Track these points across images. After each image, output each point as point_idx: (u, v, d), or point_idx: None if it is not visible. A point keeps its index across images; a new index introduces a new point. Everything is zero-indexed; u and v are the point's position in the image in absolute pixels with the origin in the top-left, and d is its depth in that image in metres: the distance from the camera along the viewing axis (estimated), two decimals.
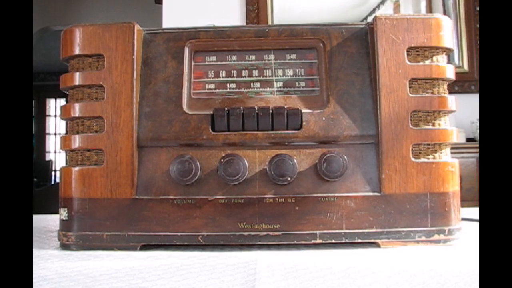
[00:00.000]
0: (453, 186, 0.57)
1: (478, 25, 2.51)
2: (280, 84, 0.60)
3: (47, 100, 7.51)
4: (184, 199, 0.56)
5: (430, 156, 0.57)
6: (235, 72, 0.61)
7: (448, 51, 0.59)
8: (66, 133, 0.61)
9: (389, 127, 0.56)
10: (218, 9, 2.54)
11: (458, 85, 2.45)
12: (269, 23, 2.53)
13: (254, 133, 0.57)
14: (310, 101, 0.59)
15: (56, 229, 0.70)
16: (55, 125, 7.57)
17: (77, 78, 0.59)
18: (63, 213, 0.58)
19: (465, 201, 0.68)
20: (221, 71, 0.61)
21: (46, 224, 0.79)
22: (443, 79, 0.58)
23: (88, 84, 0.58)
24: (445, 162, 0.57)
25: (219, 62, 0.61)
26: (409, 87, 0.57)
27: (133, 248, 0.56)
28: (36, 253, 0.55)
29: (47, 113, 7.55)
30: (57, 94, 7.21)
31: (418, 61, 0.58)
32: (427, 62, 0.58)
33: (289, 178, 0.55)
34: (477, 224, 0.70)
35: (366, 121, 0.57)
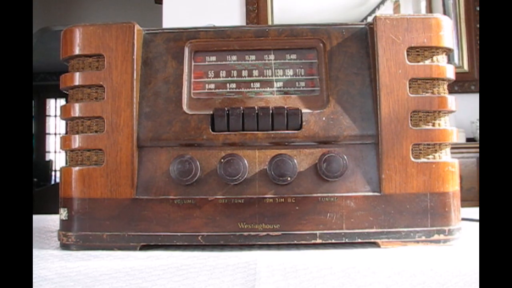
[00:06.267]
0: (453, 186, 0.57)
1: (478, 25, 2.51)
2: (280, 84, 0.60)
3: (47, 100, 7.51)
4: (184, 199, 0.56)
5: (430, 156, 0.57)
6: (235, 72, 0.61)
7: (448, 51, 0.60)
8: (66, 133, 0.61)
9: (389, 127, 0.56)
10: (218, 9, 2.54)
11: (458, 85, 2.45)
12: (269, 23, 2.53)
13: (254, 133, 0.57)
14: (310, 101, 0.59)
15: (56, 229, 0.70)
16: (55, 125, 7.57)
17: (77, 78, 0.59)
18: (63, 213, 0.58)
19: (465, 201, 0.68)
20: (221, 71, 0.61)
21: (46, 224, 0.79)
22: (443, 79, 0.58)
23: (88, 84, 0.58)
24: (445, 162, 0.57)
25: (219, 62, 0.61)
26: (409, 87, 0.57)
27: (133, 248, 0.56)
28: (36, 253, 0.55)
29: (47, 113, 7.55)
30: (57, 94, 7.21)
31: (418, 61, 0.58)
32: (427, 62, 0.58)
33: (289, 178, 0.55)
34: (477, 224, 0.70)
35: (366, 121, 0.57)
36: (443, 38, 0.58)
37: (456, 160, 0.58)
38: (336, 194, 0.55)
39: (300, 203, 0.55)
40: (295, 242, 0.55)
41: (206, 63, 0.61)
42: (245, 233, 0.55)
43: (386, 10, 2.66)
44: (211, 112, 0.57)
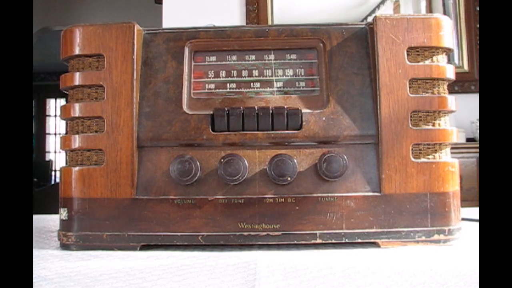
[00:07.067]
0: (453, 186, 0.57)
1: (478, 25, 2.51)
2: (280, 84, 0.60)
3: (47, 100, 7.50)
4: (184, 199, 0.56)
5: (430, 156, 0.57)
6: (235, 72, 0.61)
7: (448, 51, 0.60)
8: (66, 133, 0.61)
9: (389, 127, 0.56)
10: (218, 9, 2.54)
11: (458, 85, 2.45)
12: (269, 23, 2.53)
13: (254, 133, 0.57)
14: (310, 101, 0.59)
15: (56, 229, 0.70)
16: (55, 125, 7.57)
17: (77, 78, 0.59)
18: (63, 213, 0.58)
19: (465, 201, 0.68)
20: (221, 71, 0.61)
21: (46, 224, 0.79)
22: (443, 79, 0.58)
23: (88, 84, 0.58)
24: (445, 162, 0.57)
25: (219, 62, 0.61)
26: (409, 87, 0.57)
27: (133, 248, 0.56)
28: (36, 253, 0.55)
29: (47, 113, 7.55)
30: (57, 94, 7.21)
31: (418, 61, 0.58)
32: (427, 62, 0.58)
33: (289, 178, 0.55)
34: (477, 224, 0.70)
35: (366, 121, 0.57)
36: (443, 38, 0.58)
37: (456, 160, 0.58)
38: (336, 194, 0.55)
39: (300, 203, 0.55)
40: (295, 242, 0.55)
41: (206, 63, 0.61)
42: (245, 233, 0.55)
43: (386, 10, 2.66)
44: (211, 112, 0.57)
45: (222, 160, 0.55)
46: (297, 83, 0.60)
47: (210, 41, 0.60)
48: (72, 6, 5.16)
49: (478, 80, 2.45)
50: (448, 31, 0.58)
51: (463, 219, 0.63)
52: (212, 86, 0.60)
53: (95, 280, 0.42)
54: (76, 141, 0.58)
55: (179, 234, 0.55)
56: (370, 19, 0.88)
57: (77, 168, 0.57)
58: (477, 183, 1.91)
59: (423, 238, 0.55)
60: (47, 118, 7.54)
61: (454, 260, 0.49)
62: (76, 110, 0.58)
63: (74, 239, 0.57)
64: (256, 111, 0.57)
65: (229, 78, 0.60)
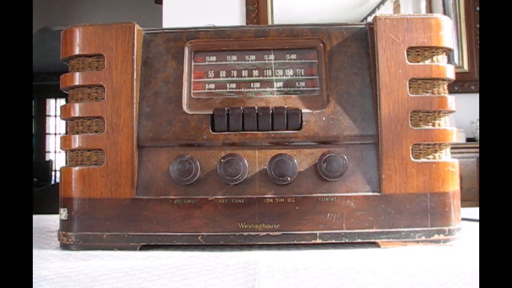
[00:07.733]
0: (453, 186, 0.57)
1: (478, 25, 2.51)
2: (280, 84, 0.60)
3: (47, 100, 7.50)
4: (184, 199, 0.56)
5: (430, 156, 0.57)
6: (235, 72, 0.61)
7: (448, 51, 0.60)
8: (66, 133, 0.61)
9: (389, 127, 0.56)
10: (218, 9, 2.54)
11: (458, 85, 2.45)
12: (269, 23, 2.53)
13: (254, 133, 0.57)
14: (310, 101, 0.59)
15: (56, 229, 0.70)
16: (55, 125, 7.57)
17: (77, 78, 0.59)
18: (63, 213, 0.58)
19: (465, 201, 0.68)
20: (221, 71, 0.61)
21: (46, 224, 0.79)
22: (443, 79, 0.58)
23: (88, 84, 0.58)
24: (445, 162, 0.57)
25: (219, 62, 0.61)
26: (409, 87, 0.57)
27: (133, 248, 0.56)
28: (36, 253, 0.55)
29: (47, 113, 7.55)
30: (57, 94, 7.21)
31: (418, 61, 0.58)
32: (427, 62, 0.58)
33: (289, 178, 0.55)
34: (477, 224, 0.70)
35: (366, 121, 0.57)
36: (443, 38, 0.58)
37: (456, 160, 0.58)
38: (336, 194, 0.55)
39: (300, 203, 0.55)
40: (295, 242, 0.55)
41: (206, 63, 0.61)
42: (245, 233, 0.55)
43: (386, 10, 2.66)
44: (211, 112, 0.57)
45: (222, 160, 0.55)
46: (297, 83, 0.60)
47: (210, 41, 0.60)
48: (72, 6, 5.16)
49: (478, 80, 2.45)
50: (448, 31, 0.58)
51: (463, 219, 0.63)
52: (212, 86, 0.60)
53: (95, 280, 0.42)
54: (76, 141, 0.58)
55: (179, 234, 0.55)
56: (370, 19, 0.88)
57: (77, 168, 0.57)
58: (477, 183, 1.91)
59: (423, 238, 0.55)
60: (47, 118, 7.54)
61: (454, 260, 0.49)
62: (76, 110, 0.58)
63: (74, 239, 0.57)
64: (256, 111, 0.57)
65: (229, 78, 0.60)
